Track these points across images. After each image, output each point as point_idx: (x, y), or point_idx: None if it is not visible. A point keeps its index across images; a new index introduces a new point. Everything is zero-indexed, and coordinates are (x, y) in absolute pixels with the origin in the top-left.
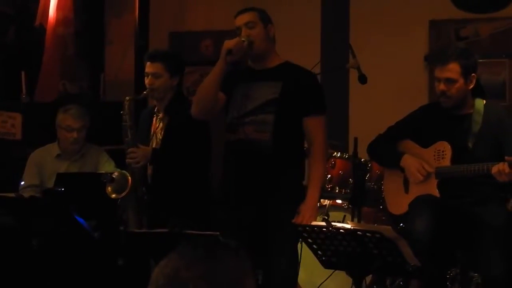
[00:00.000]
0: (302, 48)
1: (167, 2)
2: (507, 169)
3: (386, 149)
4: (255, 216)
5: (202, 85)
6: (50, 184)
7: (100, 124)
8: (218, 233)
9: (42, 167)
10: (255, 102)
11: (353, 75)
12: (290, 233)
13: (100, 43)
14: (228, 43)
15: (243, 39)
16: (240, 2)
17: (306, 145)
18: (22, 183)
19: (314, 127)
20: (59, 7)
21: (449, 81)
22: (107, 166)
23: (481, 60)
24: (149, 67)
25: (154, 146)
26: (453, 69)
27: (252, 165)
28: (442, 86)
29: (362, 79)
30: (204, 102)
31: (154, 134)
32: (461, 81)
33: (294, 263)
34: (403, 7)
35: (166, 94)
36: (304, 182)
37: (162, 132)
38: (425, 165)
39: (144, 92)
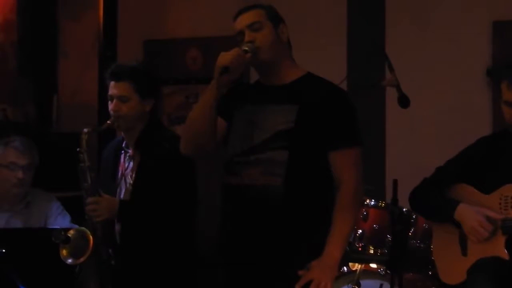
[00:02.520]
0: (322, 59)
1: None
2: None
3: (434, 196)
4: (260, 283)
5: (192, 115)
6: None
7: (51, 163)
8: None
9: None
10: (263, 134)
11: (391, 96)
12: None
13: (51, 54)
14: (224, 58)
15: (245, 48)
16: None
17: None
18: None
19: (344, 164)
20: None
21: None
22: (61, 221)
23: None
24: (113, 88)
25: (123, 191)
26: None
27: (257, 219)
28: None
29: (403, 101)
30: (196, 139)
31: (123, 177)
32: None
33: None
34: (455, 4)
35: (137, 123)
36: None
37: (133, 175)
38: (490, 213)
39: (108, 122)
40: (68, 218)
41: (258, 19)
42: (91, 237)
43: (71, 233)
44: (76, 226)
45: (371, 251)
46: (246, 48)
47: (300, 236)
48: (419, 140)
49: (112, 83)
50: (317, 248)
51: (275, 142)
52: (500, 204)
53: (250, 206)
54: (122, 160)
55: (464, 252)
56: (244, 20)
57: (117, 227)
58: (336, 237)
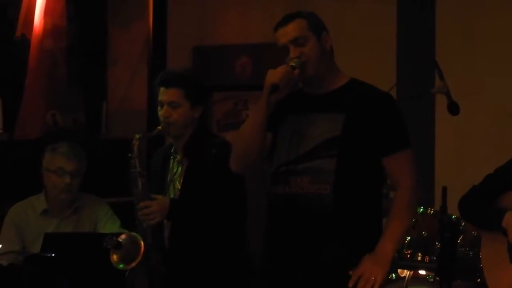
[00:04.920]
0: (372, 67)
1: (190, 7)
2: None
3: (483, 204)
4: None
5: (241, 132)
6: (34, 248)
7: (101, 169)
8: None
9: (24, 227)
10: (310, 143)
11: (441, 103)
12: None
13: (101, 61)
14: (273, 75)
15: (292, 64)
16: (286, 4)
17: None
18: None
19: (401, 165)
20: (47, 13)
21: None
22: (110, 225)
23: None
24: (163, 95)
25: (171, 197)
26: None
27: (307, 227)
28: None
29: (453, 108)
30: (246, 156)
31: (171, 182)
32: None
33: None
34: (505, 10)
35: (186, 129)
36: None
37: (181, 180)
38: None
39: (158, 128)
40: (117, 223)
41: (301, 34)
42: (142, 242)
43: (122, 238)
44: (126, 231)
45: (419, 258)
46: (294, 64)
47: (351, 244)
48: (468, 147)
49: (162, 89)
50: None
51: (323, 150)
52: None
53: (299, 215)
54: (170, 165)
55: None
56: (287, 34)
57: (166, 232)
58: (391, 233)
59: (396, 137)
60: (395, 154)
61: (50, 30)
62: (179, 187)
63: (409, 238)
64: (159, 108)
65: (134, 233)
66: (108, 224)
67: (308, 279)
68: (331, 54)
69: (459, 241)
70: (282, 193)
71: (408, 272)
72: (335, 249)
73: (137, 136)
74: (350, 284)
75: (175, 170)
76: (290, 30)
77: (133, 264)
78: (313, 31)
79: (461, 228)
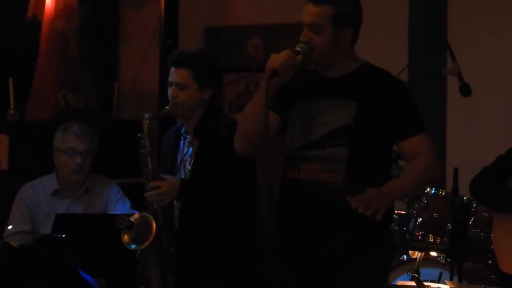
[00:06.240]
0: (384, 48)
1: None
2: None
3: (494, 186)
4: (319, 278)
5: (243, 114)
6: (45, 229)
7: (112, 150)
8: None
9: (34, 207)
10: (321, 129)
11: (453, 85)
12: None
13: (113, 42)
14: (274, 60)
15: (297, 49)
16: None
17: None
18: (9, 227)
19: (418, 146)
20: None
21: None
22: (121, 207)
23: None
24: (173, 74)
25: (182, 177)
26: None
27: (316, 214)
28: None
29: (465, 89)
30: (248, 138)
31: (182, 163)
32: None
33: None
34: None
35: (195, 110)
36: None
37: (192, 161)
38: None
39: (167, 108)
40: (128, 203)
41: (319, 22)
42: (154, 223)
43: (134, 218)
44: (136, 212)
45: (431, 240)
46: (298, 49)
47: (360, 232)
48: (480, 129)
49: (172, 69)
50: (376, 246)
51: (334, 138)
52: None
53: (308, 201)
54: (181, 146)
55: None
56: (309, 16)
57: (176, 212)
58: (400, 180)
59: (411, 122)
60: (413, 137)
61: (62, 10)
62: (190, 168)
63: (420, 219)
64: (169, 87)
65: (146, 214)
66: (119, 205)
67: (317, 265)
68: (349, 47)
69: (470, 222)
70: (291, 178)
71: (420, 254)
72: (344, 237)
73: (146, 115)
74: (354, 205)
75: (185, 150)
76: (312, 13)
77: (145, 245)
78: (335, 23)
79: (472, 209)
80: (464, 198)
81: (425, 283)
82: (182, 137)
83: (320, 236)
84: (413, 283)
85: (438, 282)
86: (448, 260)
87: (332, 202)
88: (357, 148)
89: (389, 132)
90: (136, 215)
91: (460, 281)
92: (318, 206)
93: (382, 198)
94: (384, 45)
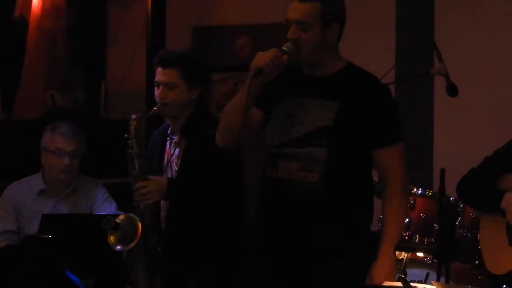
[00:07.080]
0: (371, 48)
1: None
2: None
3: (481, 186)
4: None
5: (226, 110)
6: (30, 228)
7: (99, 149)
8: None
9: (21, 206)
10: (302, 128)
11: (440, 85)
12: None
13: (100, 41)
14: (259, 59)
15: (284, 48)
16: None
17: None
18: None
19: (389, 160)
20: None
21: None
22: (106, 207)
23: None
24: (160, 75)
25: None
26: None
27: (292, 213)
28: None
29: (452, 89)
30: (227, 131)
31: (169, 164)
32: None
33: None
34: None
35: (183, 110)
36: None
37: (178, 162)
38: None
39: (154, 108)
40: (114, 204)
41: (308, 19)
42: (139, 223)
43: (120, 219)
44: (122, 213)
45: (418, 240)
46: (285, 49)
47: (334, 231)
48: (467, 129)
49: (159, 69)
50: (351, 244)
51: (314, 138)
52: None
53: (284, 199)
54: (168, 147)
55: (511, 242)
56: (296, 13)
57: (163, 213)
58: (389, 236)
59: (388, 131)
60: (385, 147)
61: (49, 9)
62: (177, 168)
63: (407, 220)
64: (155, 88)
65: (131, 214)
66: (105, 206)
67: (292, 262)
68: (335, 44)
69: (457, 223)
70: (270, 175)
71: (406, 254)
72: (318, 235)
73: (133, 116)
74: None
75: (172, 151)
76: (300, 11)
77: (131, 246)
78: (323, 20)
79: (459, 210)
80: (451, 199)
81: (412, 284)
82: (168, 138)
83: (295, 234)
84: (399, 284)
85: (425, 282)
86: (435, 260)
87: (308, 202)
88: (336, 149)
89: (367, 137)
90: (122, 216)
91: (447, 281)
92: (293, 205)
93: (389, 271)
94: (371, 45)
